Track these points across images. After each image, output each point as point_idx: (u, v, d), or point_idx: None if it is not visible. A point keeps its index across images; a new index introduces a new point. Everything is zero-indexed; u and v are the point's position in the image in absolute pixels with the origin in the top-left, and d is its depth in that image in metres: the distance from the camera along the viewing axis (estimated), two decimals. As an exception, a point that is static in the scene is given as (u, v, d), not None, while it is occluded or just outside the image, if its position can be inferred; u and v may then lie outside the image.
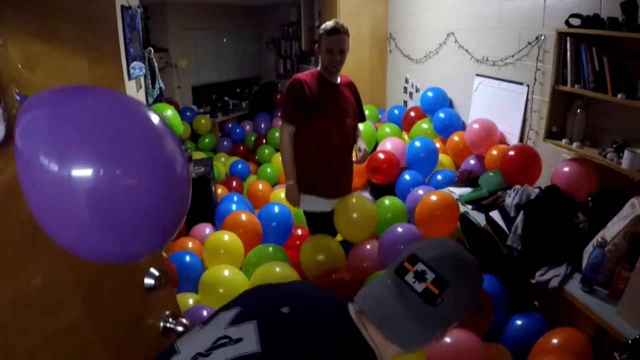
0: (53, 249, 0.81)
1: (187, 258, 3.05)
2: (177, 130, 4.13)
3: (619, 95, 2.35)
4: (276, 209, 3.61)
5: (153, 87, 4.60)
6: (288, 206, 3.45)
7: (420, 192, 3.47)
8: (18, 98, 0.79)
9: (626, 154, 2.33)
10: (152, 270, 1.30)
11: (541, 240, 2.48)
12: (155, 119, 0.83)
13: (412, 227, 3.01)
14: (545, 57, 3.08)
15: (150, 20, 6.42)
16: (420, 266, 0.94)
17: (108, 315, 1.11)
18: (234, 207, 3.96)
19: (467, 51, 3.99)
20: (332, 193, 3.00)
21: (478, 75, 3.89)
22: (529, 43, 3.21)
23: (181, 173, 0.84)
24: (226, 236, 3.20)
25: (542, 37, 3.08)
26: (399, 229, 2.95)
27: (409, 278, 0.94)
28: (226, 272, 2.78)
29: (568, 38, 2.64)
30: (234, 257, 3.11)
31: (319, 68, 2.86)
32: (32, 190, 0.74)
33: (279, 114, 2.87)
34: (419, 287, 0.93)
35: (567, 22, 2.66)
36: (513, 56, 3.42)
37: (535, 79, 3.19)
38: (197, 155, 5.55)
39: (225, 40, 7.94)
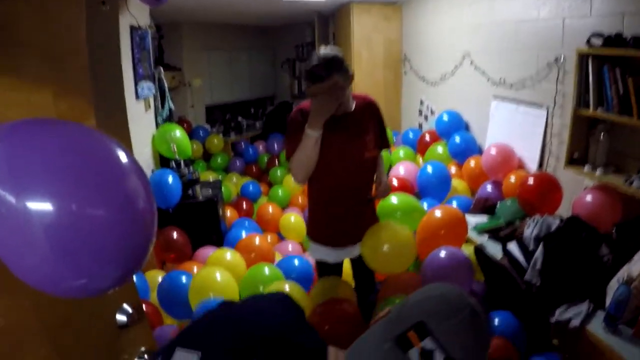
0: (15, 289, 0.83)
1: (184, 279, 2.85)
2: (186, 151, 4.06)
3: (646, 119, 2.19)
4: (296, 262, 3.16)
5: (162, 107, 4.60)
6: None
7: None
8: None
9: (654, 182, 2.16)
10: (125, 306, 1.26)
11: (562, 276, 2.31)
12: (118, 153, 0.85)
13: (457, 251, 2.62)
14: (566, 79, 2.94)
15: (164, 40, 6.47)
16: (428, 343, 0.77)
17: (77, 356, 1.10)
18: (243, 233, 3.91)
19: (483, 73, 3.86)
20: (347, 240, 2.45)
21: (495, 97, 3.75)
22: (548, 64, 3.07)
23: (144, 207, 0.86)
24: (228, 254, 3.12)
25: (562, 58, 2.94)
26: (442, 254, 2.55)
27: (413, 355, 0.77)
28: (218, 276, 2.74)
29: (590, 59, 2.50)
30: (237, 276, 2.99)
31: None
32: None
33: (285, 152, 2.35)
34: None
35: (588, 42, 2.52)
36: (531, 78, 3.27)
37: (555, 102, 3.04)
38: (208, 175, 5.50)
39: (239, 60, 7.95)
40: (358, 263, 2.54)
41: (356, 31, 5.35)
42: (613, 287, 2.14)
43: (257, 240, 3.50)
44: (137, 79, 3.60)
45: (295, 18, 7.01)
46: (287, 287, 2.60)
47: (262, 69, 8.44)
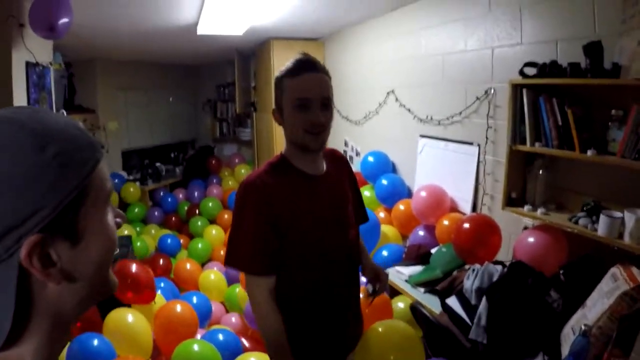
0: None
1: (95, 342, 2.54)
2: None
3: (589, 152, 2.00)
4: (220, 336, 2.88)
5: None
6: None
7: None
8: None
9: (602, 219, 1.94)
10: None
11: (511, 330, 2.04)
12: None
13: None
14: (497, 113, 2.76)
15: (76, 78, 5.92)
16: None
17: None
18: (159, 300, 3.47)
19: (409, 110, 3.65)
20: (337, 354, 1.71)
21: (422, 136, 3.54)
22: (478, 98, 2.90)
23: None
24: (130, 315, 2.74)
25: (492, 91, 2.77)
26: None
27: None
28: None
29: (524, 90, 2.31)
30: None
31: (283, 152, 1.59)
32: None
33: (226, 258, 1.55)
34: None
35: (521, 72, 2.34)
36: (460, 113, 3.09)
37: (487, 138, 2.84)
38: (122, 229, 4.92)
39: (158, 101, 7.47)
40: None
41: (277, 69, 5.03)
42: (567, 335, 1.93)
43: (177, 307, 3.06)
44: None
45: (216, 56, 6.72)
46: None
47: (182, 111, 8.00)
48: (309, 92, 1.43)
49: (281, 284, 1.52)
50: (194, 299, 3.55)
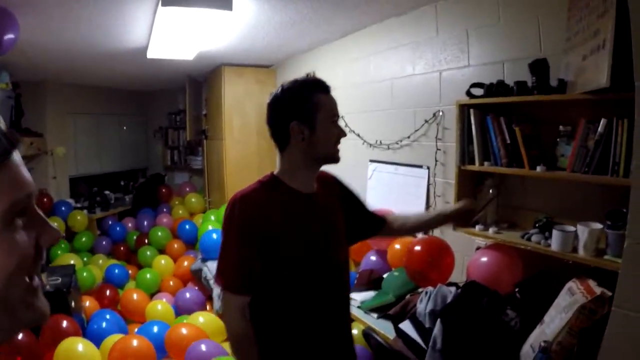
0: None
1: None
2: None
3: (539, 168, 2.01)
4: None
5: None
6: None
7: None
8: None
9: (555, 234, 1.93)
10: None
11: (468, 352, 1.96)
12: None
13: None
14: (446, 135, 2.78)
15: (24, 100, 5.61)
16: None
17: None
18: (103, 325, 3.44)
19: (358, 135, 3.64)
20: None
21: (372, 161, 3.52)
22: (426, 121, 2.91)
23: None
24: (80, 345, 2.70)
25: (440, 113, 2.80)
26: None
27: None
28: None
29: (471, 110, 2.32)
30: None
31: (274, 172, 1.61)
32: None
33: (214, 274, 1.63)
34: None
35: (468, 93, 2.36)
36: (409, 137, 3.09)
37: (436, 160, 2.85)
38: (69, 258, 4.72)
39: (109, 127, 7.20)
40: None
41: (228, 96, 5.00)
42: (527, 354, 1.88)
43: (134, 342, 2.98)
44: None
45: (168, 83, 6.58)
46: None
47: (133, 138, 7.74)
48: (336, 109, 1.59)
49: (268, 303, 1.53)
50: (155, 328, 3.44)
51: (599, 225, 1.78)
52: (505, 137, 2.18)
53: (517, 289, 2.13)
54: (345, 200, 1.75)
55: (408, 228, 1.95)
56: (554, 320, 1.71)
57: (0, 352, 2.82)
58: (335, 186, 1.76)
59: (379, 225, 1.84)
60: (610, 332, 1.40)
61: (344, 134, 1.57)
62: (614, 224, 1.67)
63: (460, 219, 1.95)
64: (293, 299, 1.53)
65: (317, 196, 1.59)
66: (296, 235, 1.51)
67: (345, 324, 1.72)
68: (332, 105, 1.56)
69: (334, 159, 1.58)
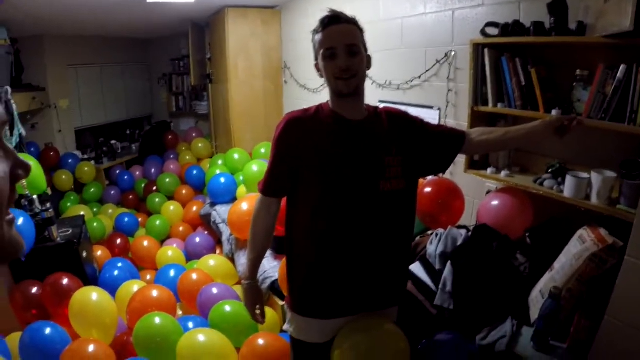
0: None
1: (48, 330, 2.50)
2: (39, 185, 3.30)
3: (554, 112, 1.97)
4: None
5: (11, 134, 3.95)
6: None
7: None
8: None
9: (569, 180, 1.92)
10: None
11: (477, 295, 2.00)
12: None
13: None
14: (458, 76, 2.71)
15: (24, 55, 5.48)
16: None
17: None
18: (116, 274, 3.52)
19: (367, 76, 3.55)
20: (342, 309, 1.73)
21: (381, 101, 3.47)
22: (438, 61, 2.83)
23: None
24: (94, 294, 2.71)
25: (453, 53, 2.71)
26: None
27: None
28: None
29: (486, 50, 2.25)
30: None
31: (328, 100, 1.67)
32: None
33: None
34: None
35: (483, 32, 2.28)
36: (419, 77, 3.02)
37: (448, 101, 2.80)
38: (79, 210, 4.73)
39: (112, 76, 7.03)
40: None
41: (232, 39, 4.84)
42: (536, 299, 1.92)
43: (154, 292, 2.97)
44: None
45: (170, 29, 6.37)
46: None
47: (137, 86, 7.58)
48: (333, 41, 1.54)
49: (295, 218, 1.68)
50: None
51: (613, 174, 1.77)
52: (521, 79, 2.13)
53: (527, 235, 2.14)
54: (413, 132, 1.68)
55: (491, 143, 1.79)
56: (564, 268, 1.74)
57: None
58: (401, 120, 1.70)
59: (459, 143, 1.74)
60: (621, 281, 1.42)
61: (337, 69, 1.52)
62: (628, 174, 1.66)
63: (557, 132, 1.67)
64: (327, 220, 1.60)
65: (363, 124, 1.61)
66: (331, 158, 1.56)
67: (389, 256, 1.70)
68: (325, 39, 1.55)
69: (339, 92, 1.57)
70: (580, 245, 1.72)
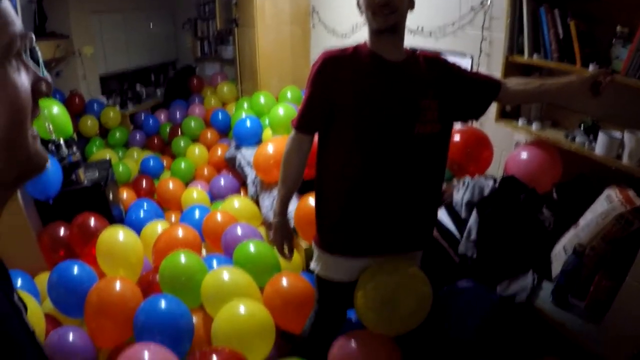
0: None
1: (76, 269, 2.52)
2: (66, 129, 3.36)
3: (591, 67, 1.93)
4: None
5: None
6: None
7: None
8: None
9: (601, 137, 1.92)
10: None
11: (501, 246, 2.05)
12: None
13: None
14: (493, 25, 2.65)
15: (47, 3, 5.43)
16: None
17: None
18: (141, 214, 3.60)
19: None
20: (370, 248, 1.80)
21: (413, 47, 3.40)
22: (473, 8, 2.76)
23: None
24: (121, 233, 2.75)
25: (489, 2, 2.63)
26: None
27: None
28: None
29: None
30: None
31: (366, 41, 1.66)
32: None
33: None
34: None
35: (521, -19, 2.21)
36: (453, 24, 2.96)
37: (481, 50, 2.75)
38: (105, 154, 4.85)
39: (135, 22, 6.92)
40: None
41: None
42: (558, 255, 1.96)
43: (179, 231, 3.01)
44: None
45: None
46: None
47: (161, 31, 7.46)
48: None
49: (327, 158, 1.72)
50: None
51: (647, 135, 1.76)
52: (558, 31, 2.08)
53: (555, 190, 2.16)
54: (450, 77, 1.67)
55: (526, 93, 1.78)
56: (589, 225, 1.76)
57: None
58: (438, 65, 1.70)
59: (495, 90, 1.73)
60: (646, 244, 1.44)
61: (376, 3, 1.49)
62: (663, 136, 1.65)
63: (591, 89, 1.64)
64: (360, 160, 1.63)
65: (402, 66, 1.61)
66: (367, 100, 1.57)
67: (419, 199, 1.74)
68: None
69: (376, 27, 1.56)
70: (607, 204, 1.74)
